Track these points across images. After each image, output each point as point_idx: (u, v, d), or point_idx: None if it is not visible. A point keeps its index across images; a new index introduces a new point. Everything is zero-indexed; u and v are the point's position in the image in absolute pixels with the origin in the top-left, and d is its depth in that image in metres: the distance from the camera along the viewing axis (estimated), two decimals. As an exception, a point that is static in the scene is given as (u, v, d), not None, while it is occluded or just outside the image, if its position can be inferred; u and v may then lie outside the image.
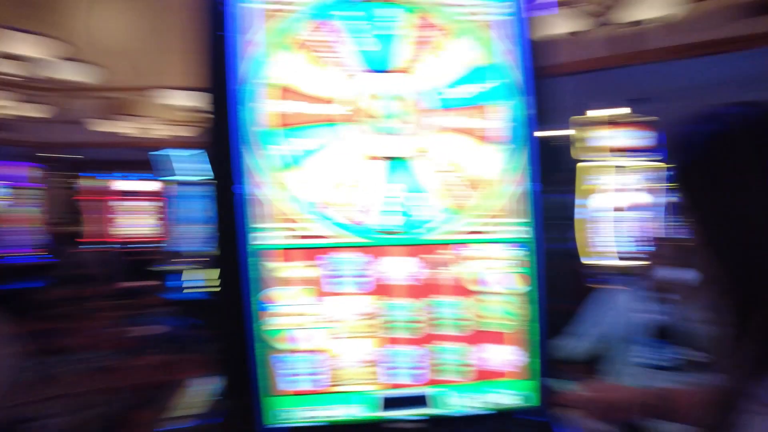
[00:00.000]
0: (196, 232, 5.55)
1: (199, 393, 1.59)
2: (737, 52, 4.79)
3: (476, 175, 1.37)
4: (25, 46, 4.36)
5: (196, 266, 5.44)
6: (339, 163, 1.30)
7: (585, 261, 4.01)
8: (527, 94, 1.41)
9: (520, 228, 1.39)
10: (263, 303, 1.23)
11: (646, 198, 4.16)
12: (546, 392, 1.39)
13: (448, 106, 1.37)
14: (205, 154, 1.27)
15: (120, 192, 9.12)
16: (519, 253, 1.39)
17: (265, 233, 1.24)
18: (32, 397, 3.03)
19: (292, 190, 1.26)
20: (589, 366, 3.20)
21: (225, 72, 1.24)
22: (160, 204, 9.44)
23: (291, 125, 1.27)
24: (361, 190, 1.31)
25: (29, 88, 8.70)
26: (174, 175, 5.92)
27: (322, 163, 1.29)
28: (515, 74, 1.40)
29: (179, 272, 5.59)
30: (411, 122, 1.34)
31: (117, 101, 9.83)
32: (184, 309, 5.52)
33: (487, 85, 1.39)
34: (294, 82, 1.28)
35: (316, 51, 1.29)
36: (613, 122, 4.12)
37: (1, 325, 1.49)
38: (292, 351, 1.27)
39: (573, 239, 4.10)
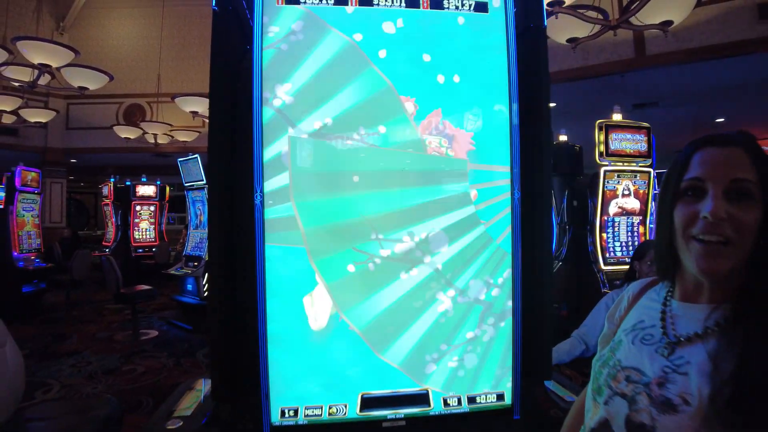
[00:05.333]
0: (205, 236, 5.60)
1: (199, 395, 1.61)
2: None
3: (460, 177, 1.37)
4: (42, 54, 4.43)
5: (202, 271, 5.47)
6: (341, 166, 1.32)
7: (600, 266, 3.97)
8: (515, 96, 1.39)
9: (501, 231, 1.40)
10: (273, 303, 1.26)
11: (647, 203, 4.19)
12: (524, 392, 1.40)
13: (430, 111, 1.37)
14: (216, 160, 1.27)
15: (136, 197, 9.23)
16: (501, 254, 1.40)
17: (276, 236, 1.27)
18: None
19: (303, 195, 1.29)
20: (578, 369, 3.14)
21: (241, 78, 1.27)
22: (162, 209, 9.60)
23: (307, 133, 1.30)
24: (361, 196, 1.33)
25: (45, 94, 8.87)
26: (190, 181, 5.98)
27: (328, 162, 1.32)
28: (504, 75, 1.39)
29: (191, 276, 5.63)
30: (404, 130, 1.34)
31: (135, 107, 9.97)
32: (187, 312, 5.54)
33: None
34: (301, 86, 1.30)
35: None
36: (625, 126, 4.10)
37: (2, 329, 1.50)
38: (299, 350, 1.30)
39: (590, 244, 4.09)
